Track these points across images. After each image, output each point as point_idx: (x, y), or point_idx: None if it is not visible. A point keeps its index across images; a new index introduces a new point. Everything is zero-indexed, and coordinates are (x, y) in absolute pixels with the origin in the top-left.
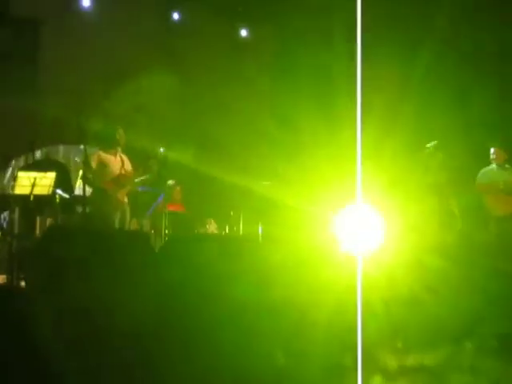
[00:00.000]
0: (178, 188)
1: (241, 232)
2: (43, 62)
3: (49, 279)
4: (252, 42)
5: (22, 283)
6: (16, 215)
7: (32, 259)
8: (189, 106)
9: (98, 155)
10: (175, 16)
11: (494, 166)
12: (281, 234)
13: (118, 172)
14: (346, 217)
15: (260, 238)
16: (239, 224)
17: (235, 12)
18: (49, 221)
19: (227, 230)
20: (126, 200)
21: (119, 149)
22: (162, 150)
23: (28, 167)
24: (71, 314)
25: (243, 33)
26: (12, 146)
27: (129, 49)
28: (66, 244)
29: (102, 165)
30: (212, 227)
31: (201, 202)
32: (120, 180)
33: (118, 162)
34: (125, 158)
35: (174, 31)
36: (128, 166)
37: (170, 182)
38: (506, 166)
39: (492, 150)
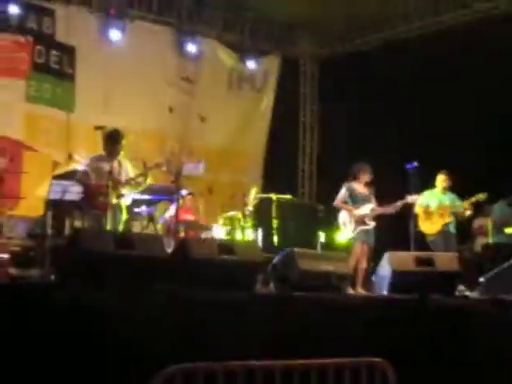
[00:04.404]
0: (190, 197)
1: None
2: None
3: (77, 273)
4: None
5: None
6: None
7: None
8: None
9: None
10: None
11: (436, 189)
12: None
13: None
14: None
15: None
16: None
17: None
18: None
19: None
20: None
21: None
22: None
23: (60, 176)
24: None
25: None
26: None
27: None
28: (91, 243)
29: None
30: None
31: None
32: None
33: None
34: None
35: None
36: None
37: (184, 191)
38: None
39: (442, 176)
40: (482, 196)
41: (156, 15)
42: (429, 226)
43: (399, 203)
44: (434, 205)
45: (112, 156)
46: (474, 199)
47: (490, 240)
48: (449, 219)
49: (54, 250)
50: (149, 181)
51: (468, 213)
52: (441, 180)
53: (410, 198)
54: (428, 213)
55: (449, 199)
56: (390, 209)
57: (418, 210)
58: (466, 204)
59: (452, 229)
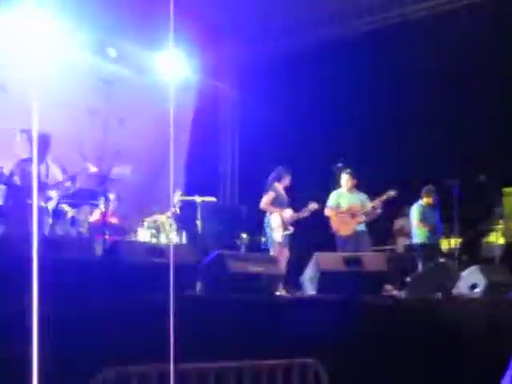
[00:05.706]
0: (114, 200)
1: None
2: None
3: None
4: None
5: None
6: None
7: None
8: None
9: None
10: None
11: (342, 190)
12: None
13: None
14: None
15: None
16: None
17: None
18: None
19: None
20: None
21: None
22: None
23: None
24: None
25: None
26: None
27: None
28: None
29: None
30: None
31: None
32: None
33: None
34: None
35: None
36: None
37: (109, 195)
38: (354, 190)
39: (345, 176)
40: (391, 193)
41: None
42: (341, 227)
43: (304, 211)
44: (344, 205)
45: (39, 159)
46: (384, 197)
47: (414, 240)
48: (360, 219)
49: None
50: (78, 184)
51: (378, 211)
52: (345, 180)
53: (310, 206)
54: (339, 214)
55: (358, 199)
56: (300, 215)
57: (328, 212)
58: (376, 202)
59: (364, 228)
